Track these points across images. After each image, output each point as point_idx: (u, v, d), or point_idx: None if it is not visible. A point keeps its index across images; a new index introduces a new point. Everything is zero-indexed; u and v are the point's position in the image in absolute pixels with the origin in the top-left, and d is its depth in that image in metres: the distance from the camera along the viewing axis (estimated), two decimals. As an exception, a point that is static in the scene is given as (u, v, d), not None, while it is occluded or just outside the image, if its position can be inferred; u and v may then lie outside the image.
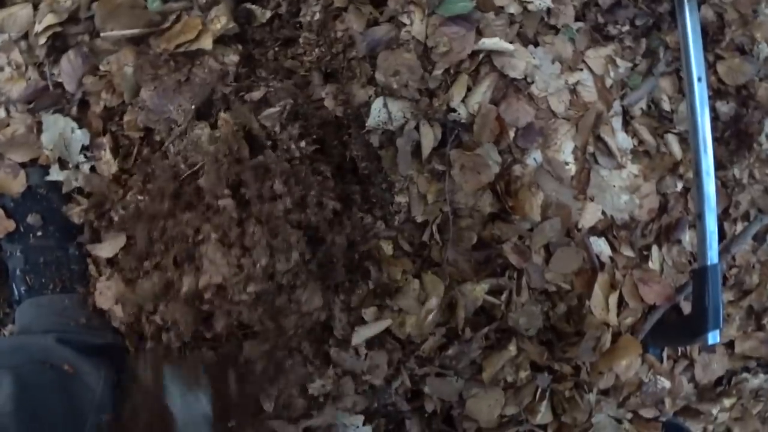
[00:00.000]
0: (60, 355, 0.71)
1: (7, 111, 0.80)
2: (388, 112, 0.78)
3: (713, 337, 0.84)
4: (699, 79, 0.84)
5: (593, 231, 0.90)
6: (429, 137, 0.79)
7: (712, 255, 0.85)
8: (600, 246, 0.91)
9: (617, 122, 0.89)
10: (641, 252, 0.94)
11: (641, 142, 0.92)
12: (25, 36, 0.81)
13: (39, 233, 0.82)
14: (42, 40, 0.79)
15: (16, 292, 0.84)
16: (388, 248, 0.81)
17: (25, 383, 0.64)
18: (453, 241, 0.80)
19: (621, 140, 0.90)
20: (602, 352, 0.90)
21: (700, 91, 0.84)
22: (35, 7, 0.80)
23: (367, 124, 0.78)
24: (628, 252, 0.93)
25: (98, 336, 0.80)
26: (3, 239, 0.84)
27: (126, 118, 0.79)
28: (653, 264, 0.94)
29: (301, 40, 0.77)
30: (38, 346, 0.72)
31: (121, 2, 0.78)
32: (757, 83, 0.98)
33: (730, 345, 1.06)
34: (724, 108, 0.95)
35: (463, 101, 0.80)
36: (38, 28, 0.79)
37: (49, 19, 0.78)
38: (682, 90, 0.95)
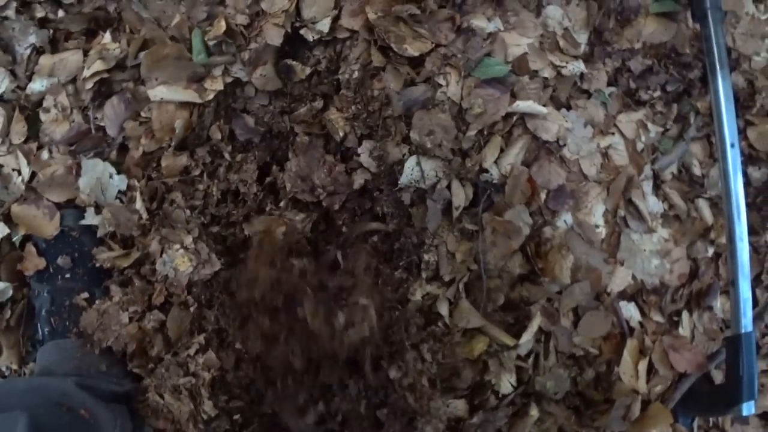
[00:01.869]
0: (78, 400, 0.71)
1: (50, 152, 0.83)
2: (421, 171, 0.78)
3: (748, 408, 0.80)
4: (732, 146, 0.84)
5: (623, 295, 0.88)
6: (460, 196, 0.80)
7: (746, 323, 0.82)
8: (630, 311, 0.88)
9: (648, 186, 0.89)
10: (671, 318, 0.92)
11: (672, 206, 0.91)
12: (73, 80, 0.84)
13: (67, 275, 0.83)
14: (89, 85, 0.82)
15: (39, 333, 0.85)
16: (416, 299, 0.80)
17: (40, 424, 0.64)
18: (481, 301, 0.79)
19: (652, 204, 0.89)
20: (632, 420, 0.86)
21: (733, 158, 0.84)
22: (85, 54, 0.84)
23: (399, 182, 0.79)
24: (657, 317, 0.90)
25: (117, 384, 0.79)
26: (32, 278, 0.85)
27: (164, 163, 0.81)
28: (684, 330, 0.91)
29: (337, 98, 0.79)
30: (57, 389, 0.72)
31: (167, 53, 0.81)
32: (788, 150, 0.98)
33: (764, 416, 1.01)
34: (756, 173, 0.94)
35: (495, 162, 0.80)
36: (86, 73, 0.82)
37: (98, 65, 0.81)
38: (713, 155, 0.95)
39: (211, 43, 0.79)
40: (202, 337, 0.77)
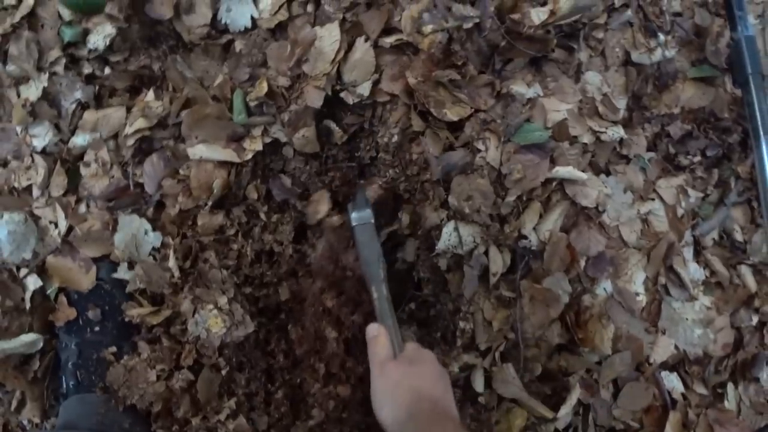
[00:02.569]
0: None
1: (87, 206, 0.83)
2: (459, 236, 0.77)
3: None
4: (777, 215, 0.82)
5: (664, 366, 0.85)
6: (498, 263, 0.78)
7: (797, 401, 0.79)
8: (672, 382, 0.85)
9: (689, 253, 0.87)
10: (715, 390, 0.87)
11: (713, 273, 0.88)
12: (115, 136, 0.85)
13: (96, 328, 0.82)
14: (130, 142, 0.83)
15: (64, 386, 0.83)
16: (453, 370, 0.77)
17: None
18: (519, 371, 0.77)
19: (693, 271, 0.86)
20: (674, 500, 0.82)
21: (780, 228, 0.82)
22: (128, 110, 0.85)
23: (437, 247, 0.77)
24: (701, 390, 0.86)
25: None
26: (61, 329, 0.84)
27: (199, 221, 0.81)
28: (729, 403, 0.87)
29: (377, 161, 0.79)
30: None
31: (209, 112, 0.82)
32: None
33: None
34: (799, 241, 0.92)
35: (534, 228, 0.79)
36: (128, 130, 0.83)
37: (140, 123, 0.82)
38: (755, 220, 0.92)
39: (252, 103, 0.80)
40: (233, 401, 0.75)
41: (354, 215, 0.79)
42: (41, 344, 0.83)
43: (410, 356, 0.67)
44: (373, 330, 0.69)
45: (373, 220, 0.77)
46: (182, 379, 0.78)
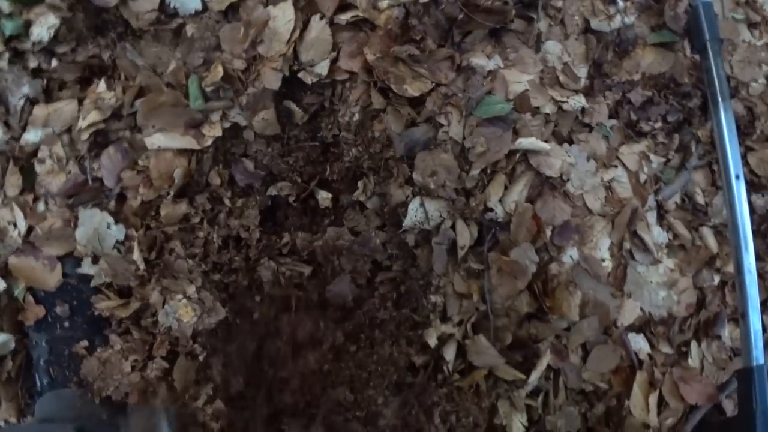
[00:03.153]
0: None
1: (46, 204, 0.81)
2: (425, 212, 0.78)
3: (763, 442, 0.80)
4: (737, 177, 0.84)
5: (631, 328, 0.88)
6: (465, 236, 0.79)
7: (758, 355, 0.82)
8: (639, 343, 0.87)
9: (652, 217, 0.88)
10: (680, 349, 0.90)
11: (676, 236, 0.91)
12: (69, 130, 0.82)
13: (66, 324, 0.81)
14: (85, 136, 0.80)
15: (38, 383, 0.83)
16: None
17: None
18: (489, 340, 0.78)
19: (656, 235, 0.88)
20: (643, 455, 0.85)
21: (738, 190, 0.84)
22: (80, 102, 0.82)
23: (404, 224, 0.78)
24: (666, 349, 0.89)
25: None
26: (31, 328, 0.83)
27: (162, 211, 0.80)
28: (693, 361, 0.90)
29: (339, 140, 0.79)
30: None
31: (164, 101, 0.80)
32: (790, 173, 0.98)
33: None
34: (760, 201, 0.94)
35: (500, 200, 0.79)
36: (82, 124, 0.80)
37: (93, 116, 0.80)
38: (716, 183, 0.94)
39: (208, 89, 0.78)
40: (210, 387, 0.75)
41: None
42: (13, 345, 0.82)
43: None
44: None
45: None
46: (157, 368, 0.78)
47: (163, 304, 0.76)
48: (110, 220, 0.78)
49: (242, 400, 0.76)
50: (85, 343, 0.79)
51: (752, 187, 0.97)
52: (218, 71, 0.78)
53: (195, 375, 0.78)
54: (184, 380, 0.78)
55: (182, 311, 0.77)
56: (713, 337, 0.93)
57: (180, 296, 0.76)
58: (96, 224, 0.78)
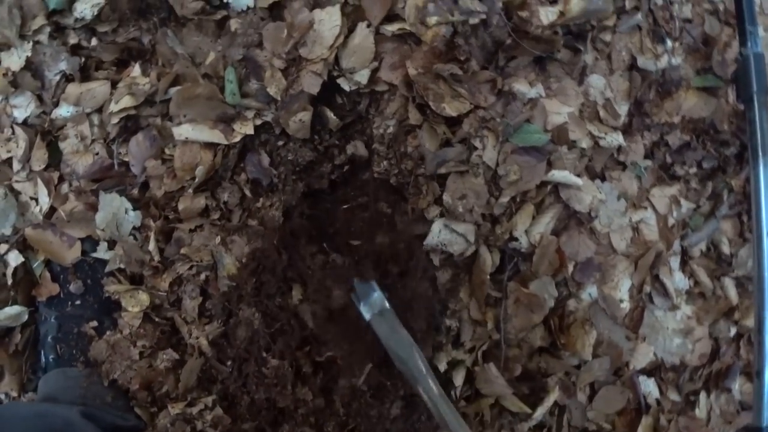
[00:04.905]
0: (82, 430, 0.69)
1: (70, 185, 0.80)
2: (449, 234, 0.77)
3: (766, 505, 0.78)
4: None
5: (642, 371, 0.87)
6: (487, 263, 0.78)
7: (768, 415, 0.81)
8: (648, 387, 0.86)
9: (675, 262, 0.87)
10: (688, 397, 0.90)
11: (697, 283, 0.89)
12: (100, 110, 0.82)
13: (78, 302, 0.81)
14: (115, 120, 0.80)
15: (43, 360, 0.83)
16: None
17: None
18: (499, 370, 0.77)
19: (678, 281, 0.87)
20: (640, 501, 0.84)
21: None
22: (114, 85, 0.82)
23: (425, 243, 0.77)
24: (674, 396, 0.88)
25: (121, 418, 0.77)
26: (41, 303, 0.82)
27: (181, 205, 0.79)
28: (700, 412, 0.89)
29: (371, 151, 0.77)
30: (62, 418, 0.70)
31: (199, 92, 0.79)
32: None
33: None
34: (785, 257, 0.93)
35: (525, 231, 0.78)
36: (114, 107, 0.79)
37: (126, 101, 0.79)
38: (743, 234, 0.93)
39: (245, 85, 0.78)
40: (214, 392, 0.74)
41: (363, 307, 0.68)
42: (26, 317, 0.82)
43: None
44: None
45: (387, 304, 0.68)
46: (167, 359, 0.77)
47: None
48: (128, 205, 0.78)
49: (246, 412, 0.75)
50: (94, 323, 0.79)
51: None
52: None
53: (201, 375, 0.77)
54: (189, 378, 0.77)
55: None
56: (723, 390, 0.92)
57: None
58: (115, 209, 0.77)
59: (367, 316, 0.67)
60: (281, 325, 0.76)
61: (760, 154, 0.78)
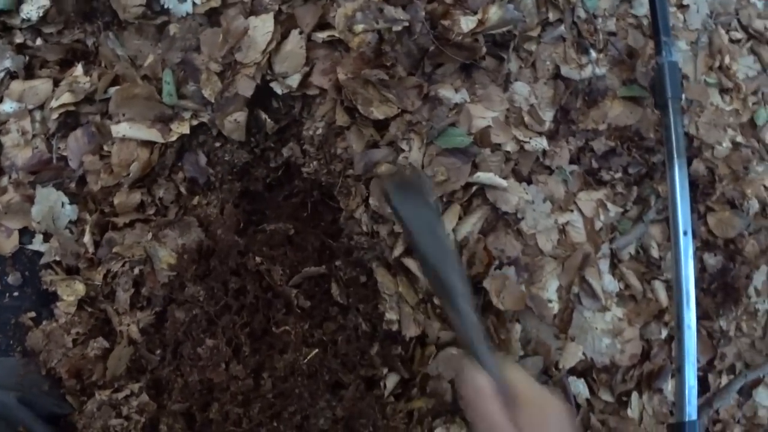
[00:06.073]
0: (18, 416, 0.71)
1: (9, 177, 0.82)
2: (378, 235, 0.79)
3: (691, 499, 0.79)
4: (685, 233, 0.85)
5: (572, 371, 0.88)
6: (415, 264, 0.80)
7: (691, 410, 0.81)
8: (578, 387, 0.88)
9: (604, 265, 0.89)
10: (621, 398, 0.91)
11: (628, 286, 0.92)
12: (41, 108, 0.84)
13: (16, 293, 0.83)
14: (54, 115, 0.82)
15: (-19, 350, 0.84)
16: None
17: None
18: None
19: (607, 283, 0.89)
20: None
21: (685, 245, 0.85)
22: (56, 84, 0.84)
23: (353, 241, 0.79)
24: (607, 397, 0.89)
25: (57, 406, 0.78)
26: (-24, 294, 0.84)
27: (116, 199, 0.81)
28: (632, 412, 0.90)
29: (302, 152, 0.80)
30: None
31: (137, 92, 0.82)
32: (746, 238, 0.99)
33: (708, 507, 0.99)
34: (711, 260, 0.95)
35: (453, 230, 0.81)
36: (54, 103, 0.82)
37: (66, 97, 0.82)
38: (671, 238, 0.96)
39: (182, 87, 0.81)
40: (143, 380, 0.75)
41: (397, 198, 0.50)
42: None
43: (530, 408, 0.45)
44: (475, 380, 0.47)
45: (431, 200, 0.52)
46: (98, 347, 0.78)
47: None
48: (65, 199, 0.80)
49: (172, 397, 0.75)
50: (32, 314, 0.80)
51: (707, 246, 0.99)
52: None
53: (129, 363, 0.78)
54: (117, 366, 0.78)
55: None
56: (655, 390, 0.93)
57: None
58: (51, 203, 0.79)
59: (400, 210, 0.50)
60: (225, 302, 0.77)
61: (675, 156, 0.81)
